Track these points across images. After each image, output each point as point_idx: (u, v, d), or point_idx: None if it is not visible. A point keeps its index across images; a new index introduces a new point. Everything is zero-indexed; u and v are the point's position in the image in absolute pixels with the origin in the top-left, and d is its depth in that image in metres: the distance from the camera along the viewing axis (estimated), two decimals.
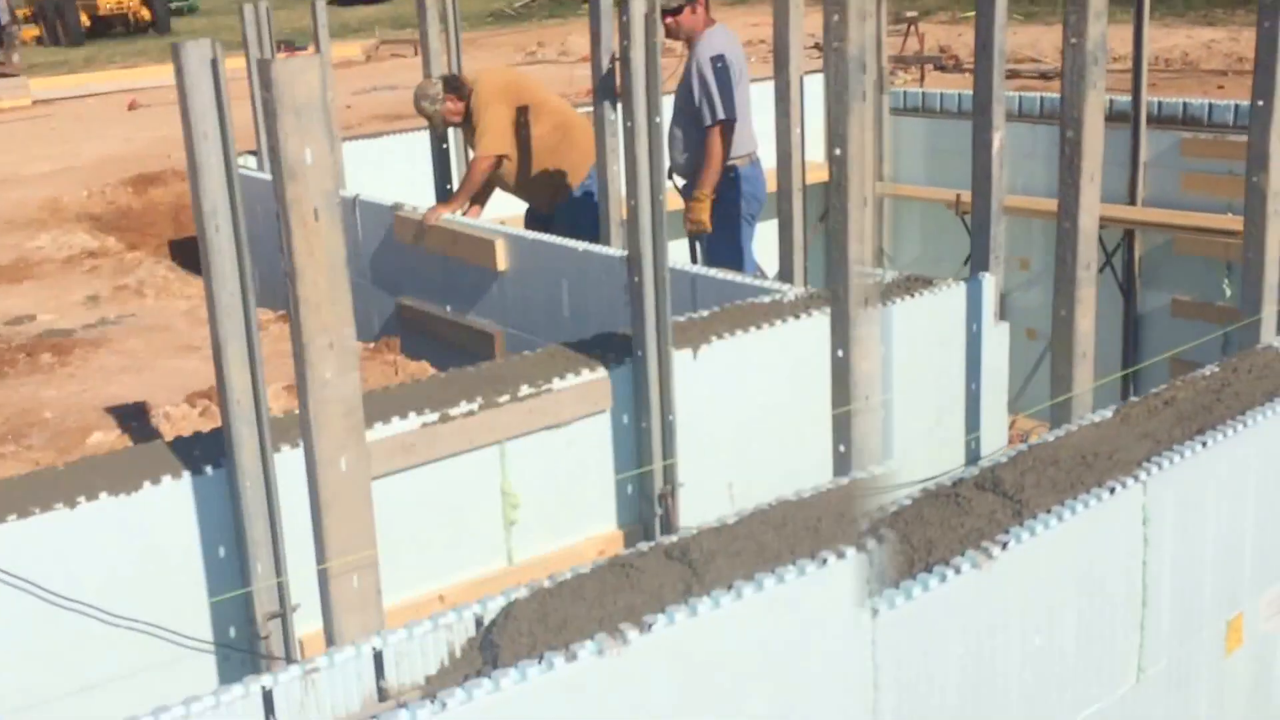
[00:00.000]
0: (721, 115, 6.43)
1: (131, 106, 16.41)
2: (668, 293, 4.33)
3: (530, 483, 4.28)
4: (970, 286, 5.06)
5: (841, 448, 3.48)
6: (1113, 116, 10.94)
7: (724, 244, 6.62)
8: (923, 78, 14.93)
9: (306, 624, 3.82)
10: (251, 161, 9.88)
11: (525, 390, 4.19)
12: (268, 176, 9.21)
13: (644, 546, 2.96)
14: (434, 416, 4.03)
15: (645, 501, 4.47)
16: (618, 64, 6.82)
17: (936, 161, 11.28)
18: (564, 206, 7.61)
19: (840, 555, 2.89)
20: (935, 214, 10.62)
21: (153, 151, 12.22)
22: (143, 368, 6.02)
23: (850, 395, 3.40)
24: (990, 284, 5.06)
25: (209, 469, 3.79)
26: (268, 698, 2.62)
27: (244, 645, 3.73)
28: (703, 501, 4.58)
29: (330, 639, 2.85)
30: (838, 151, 3.28)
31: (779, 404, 4.75)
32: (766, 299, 5.01)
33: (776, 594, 2.79)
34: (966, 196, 9.91)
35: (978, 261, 5.11)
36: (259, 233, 9.21)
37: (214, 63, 3.33)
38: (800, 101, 5.46)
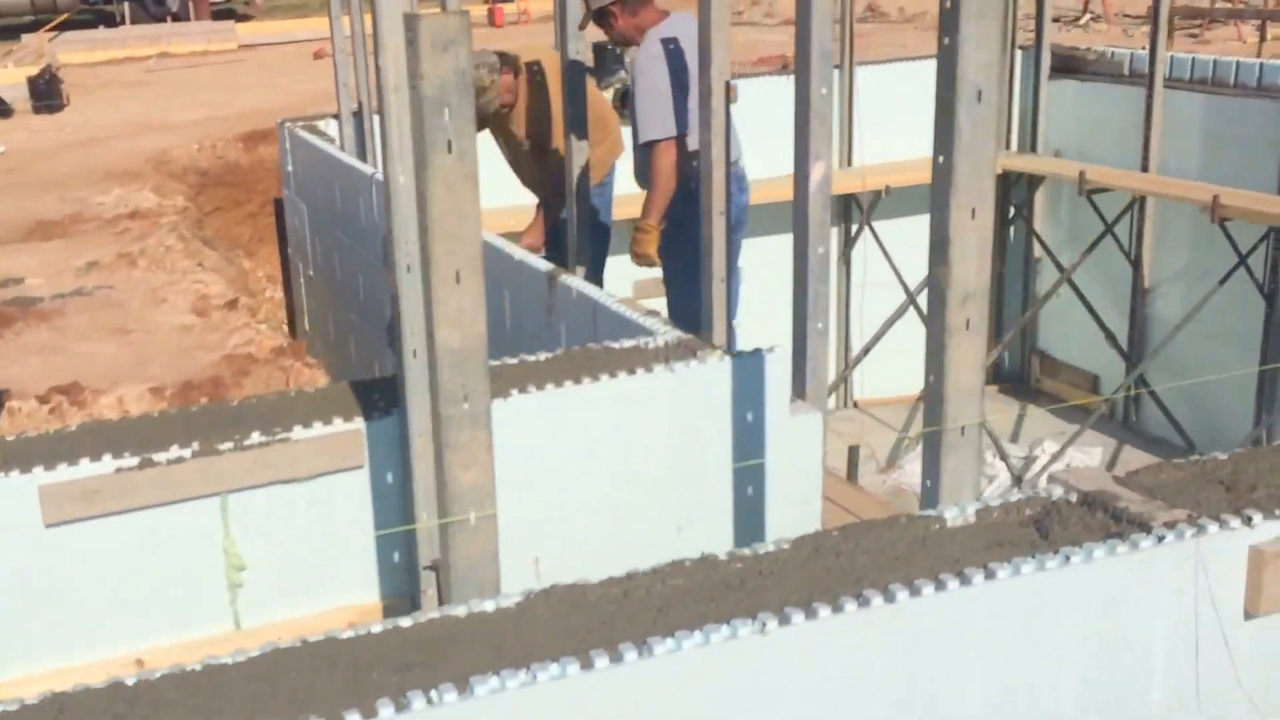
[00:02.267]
0: (653, 134, 5.44)
1: (317, 55, 16.46)
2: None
3: (263, 542, 3.76)
4: (743, 363, 4.14)
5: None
6: (1261, 87, 9.60)
7: (691, 275, 5.27)
8: (1263, 36, 12.61)
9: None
10: (331, 126, 9.57)
11: (256, 438, 3.66)
12: (336, 152, 8.83)
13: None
14: (134, 461, 3.55)
15: (414, 573, 3.90)
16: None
17: (1215, 149, 9.81)
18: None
19: None
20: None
21: (305, 104, 12.12)
22: (62, 350, 5.79)
23: (449, 510, 2.75)
24: (779, 361, 4.15)
25: None
26: None
27: None
28: (504, 579, 4.00)
29: None
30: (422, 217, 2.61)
31: (607, 470, 4.10)
32: (630, 342, 4.35)
33: None
34: (1227, 198, 8.96)
35: (796, 332, 4.23)
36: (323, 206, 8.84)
37: None
38: (726, 109, 4.69)
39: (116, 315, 6.18)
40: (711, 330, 4.78)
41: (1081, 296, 10.88)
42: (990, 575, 2.64)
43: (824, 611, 2.53)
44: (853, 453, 6.58)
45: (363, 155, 8.92)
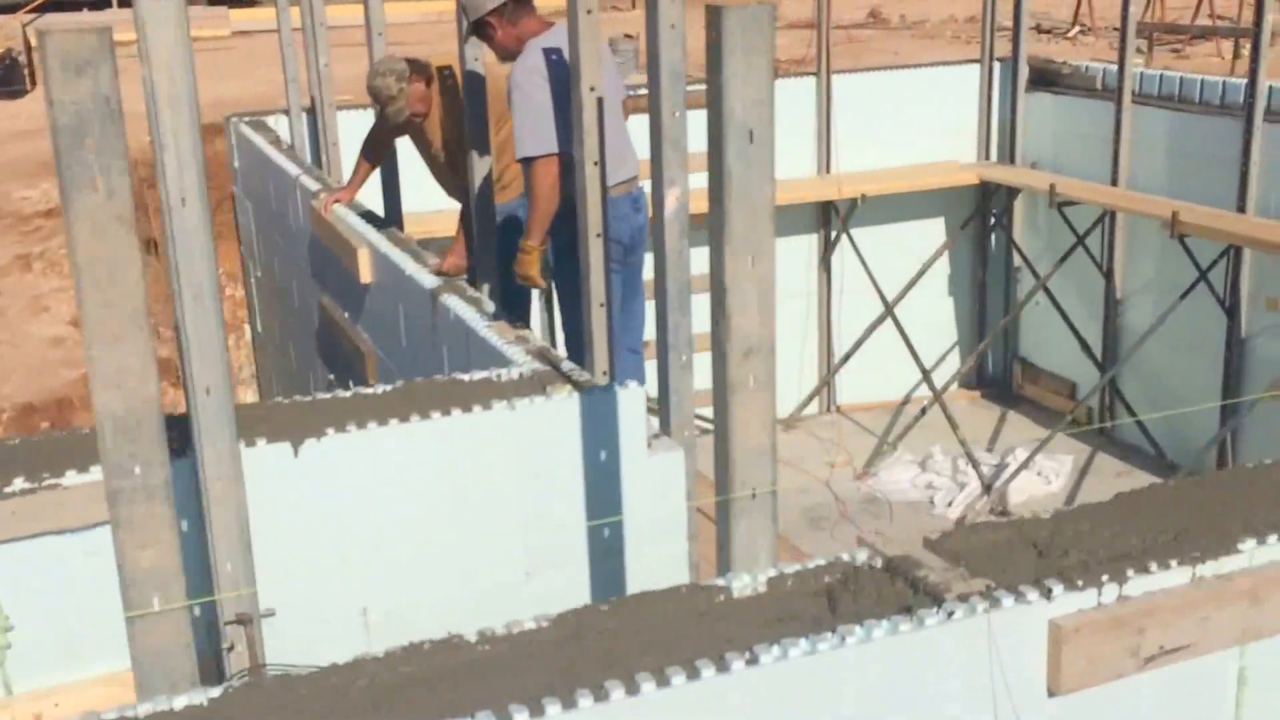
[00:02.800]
0: (529, 151, 5.01)
1: None
2: (224, 362, 3.43)
3: (35, 600, 3.49)
4: (593, 400, 3.86)
5: None
6: (1224, 105, 9.38)
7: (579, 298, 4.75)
8: (1236, 53, 12.42)
9: None
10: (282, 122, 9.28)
11: (19, 484, 3.39)
12: (268, 150, 8.53)
13: None
14: None
15: (216, 629, 3.62)
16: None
17: (1181, 165, 9.69)
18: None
19: None
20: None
21: (283, 95, 11.80)
22: None
23: (129, 599, 2.49)
24: (633, 397, 3.87)
25: None
26: None
27: None
28: (328, 632, 3.75)
29: None
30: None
31: (442, 514, 3.83)
32: (481, 374, 4.08)
33: None
34: (1185, 214, 8.76)
35: (660, 366, 3.94)
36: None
37: None
38: (599, 125, 4.40)
39: None
40: (593, 358, 4.51)
41: (1058, 306, 10.65)
42: (753, 660, 2.35)
43: (553, 708, 2.25)
44: None
45: (317, 154, 8.66)
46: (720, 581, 2.67)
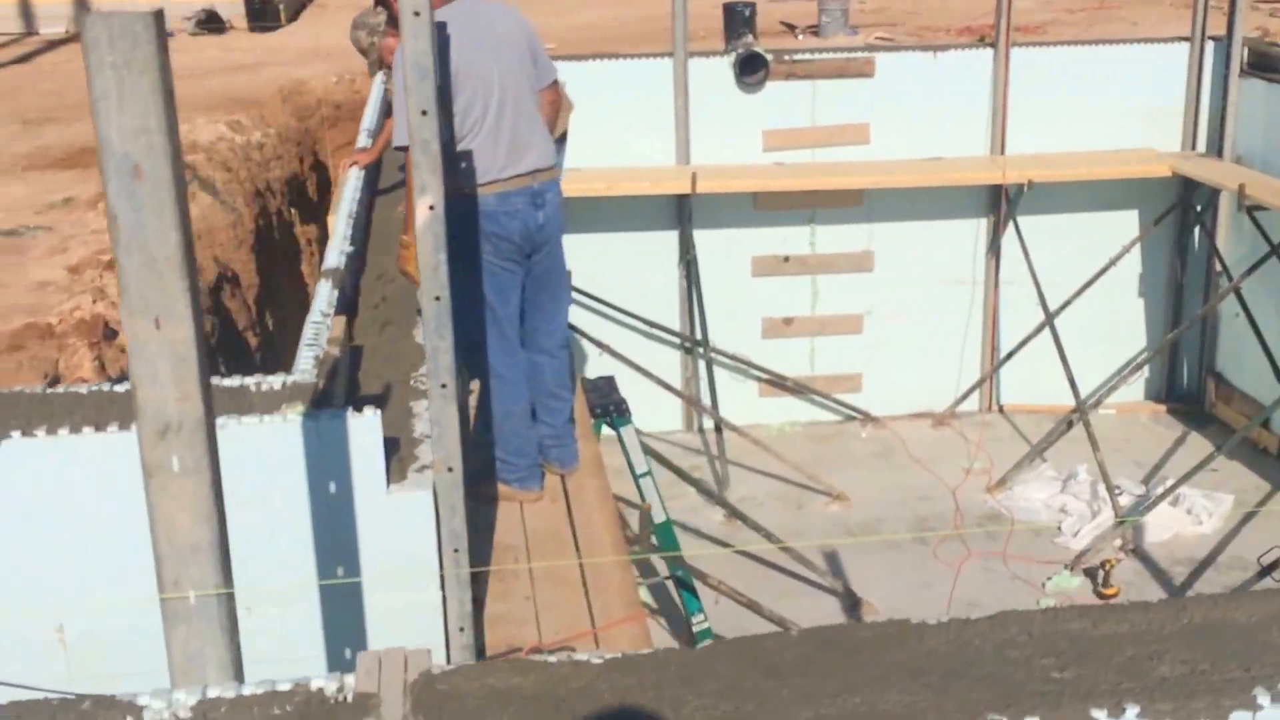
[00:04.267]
0: (403, 139, 4.22)
1: None
2: None
3: None
4: (321, 426, 3.40)
5: None
6: None
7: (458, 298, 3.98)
8: None
9: None
10: None
11: None
12: (375, 91, 8.32)
13: None
14: None
15: None
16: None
17: None
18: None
19: None
20: None
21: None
22: None
23: None
24: (367, 428, 3.39)
25: None
26: None
27: None
28: (23, 651, 3.47)
29: None
30: None
31: (145, 534, 3.47)
32: (238, 382, 3.70)
33: None
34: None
35: (435, 392, 3.42)
36: None
37: None
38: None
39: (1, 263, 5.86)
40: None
41: (1252, 320, 9.39)
42: None
43: None
44: (644, 517, 5.57)
45: None
46: (143, 699, 2.22)
